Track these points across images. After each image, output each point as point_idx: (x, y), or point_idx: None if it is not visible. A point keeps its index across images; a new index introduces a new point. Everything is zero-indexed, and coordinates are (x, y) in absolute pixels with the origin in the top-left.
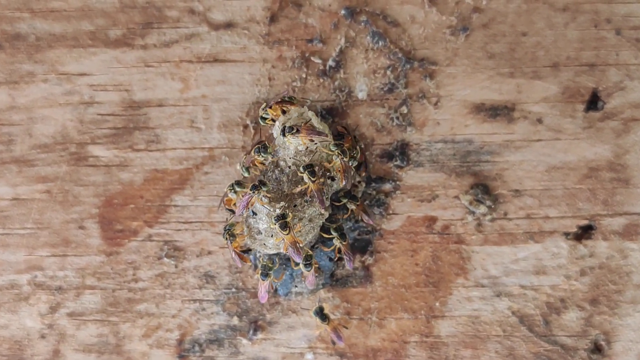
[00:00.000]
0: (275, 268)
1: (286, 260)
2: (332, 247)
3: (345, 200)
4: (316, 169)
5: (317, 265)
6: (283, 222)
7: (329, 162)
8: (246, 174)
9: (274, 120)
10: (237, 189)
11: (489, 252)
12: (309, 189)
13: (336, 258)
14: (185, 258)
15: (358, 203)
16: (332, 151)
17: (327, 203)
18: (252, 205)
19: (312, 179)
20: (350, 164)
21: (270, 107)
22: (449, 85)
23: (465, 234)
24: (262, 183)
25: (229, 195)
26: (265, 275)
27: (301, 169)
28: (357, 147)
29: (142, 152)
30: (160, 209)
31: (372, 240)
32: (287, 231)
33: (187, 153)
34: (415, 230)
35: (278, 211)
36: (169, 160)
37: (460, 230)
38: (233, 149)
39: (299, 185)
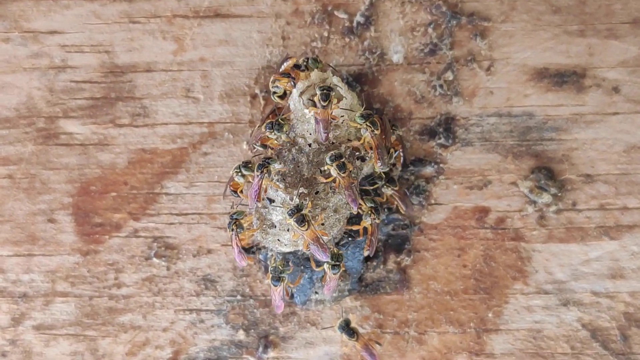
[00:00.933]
0: (288, 271)
1: (304, 260)
2: (361, 226)
3: (380, 183)
4: (346, 160)
5: (343, 269)
6: (299, 215)
7: (358, 139)
8: (260, 148)
9: (284, 95)
10: (245, 171)
11: (553, 251)
12: (337, 183)
13: (366, 249)
14: (180, 258)
15: (396, 188)
16: (360, 124)
17: (356, 205)
18: (265, 191)
19: (342, 174)
20: (383, 139)
21: (281, 76)
22: (505, 46)
23: (525, 228)
24: (269, 160)
25: (235, 179)
26: (277, 279)
27: (327, 159)
28: (388, 127)
29: (127, 127)
30: (148, 198)
31: (409, 236)
32: (306, 226)
33: (181, 129)
34: (463, 224)
35: (296, 200)
36: (160, 137)
37: (519, 224)
38: (238, 124)
39: (322, 173)
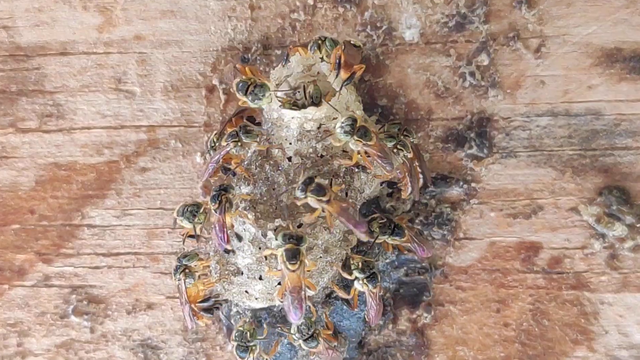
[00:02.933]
0: (260, 336)
1: (282, 318)
2: (352, 294)
3: (378, 235)
4: (323, 181)
5: (329, 333)
6: (294, 248)
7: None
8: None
9: (258, 91)
10: (187, 222)
11: (630, 304)
12: (327, 216)
13: (355, 307)
14: (109, 316)
15: (404, 238)
16: (341, 139)
17: (365, 226)
18: (231, 226)
19: (324, 199)
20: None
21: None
22: (561, 17)
23: (590, 272)
24: (224, 187)
25: (181, 224)
26: (244, 350)
27: (298, 194)
28: (400, 133)
29: (33, 133)
30: (64, 232)
31: (428, 284)
32: (296, 265)
33: (110, 136)
34: (504, 267)
35: (271, 237)
36: (79, 147)
37: (582, 266)
38: (189, 127)
39: (300, 208)
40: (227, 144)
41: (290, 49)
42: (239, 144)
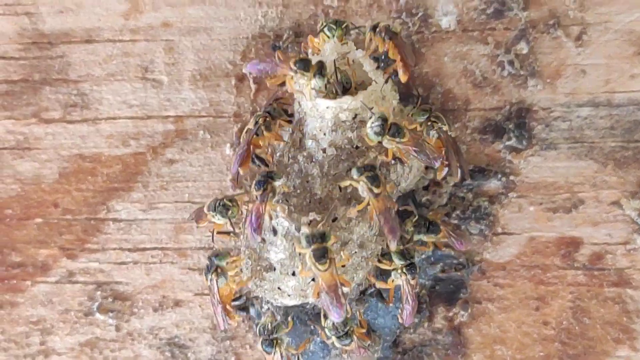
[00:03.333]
0: (284, 329)
1: (315, 315)
2: (390, 285)
3: (413, 234)
4: (380, 173)
5: (362, 332)
6: (321, 248)
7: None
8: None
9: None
10: (221, 217)
11: None
12: (371, 210)
13: (390, 301)
14: (134, 313)
15: (439, 234)
16: (372, 140)
17: (397, 235)
18: (270, 218)
19: (376, 190)
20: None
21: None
22: (603, 4)
23: (633, 268)
24: (271, 174)
25: (213, 219)
26: (269, 343)
27: (353, 172)
28: (436, 122)
29: (57, 124)
30: (89, 227)
31: (465, 280)
32: (327, 265)
33: (136, 126)
34: (544, 263)
35: (305, 232)
36: (105, 138)
37: (624, 262)
38: (218, 118)
39: (341, 191)
40: (257, 123)
41: (306, 44)
42: (267, 120)
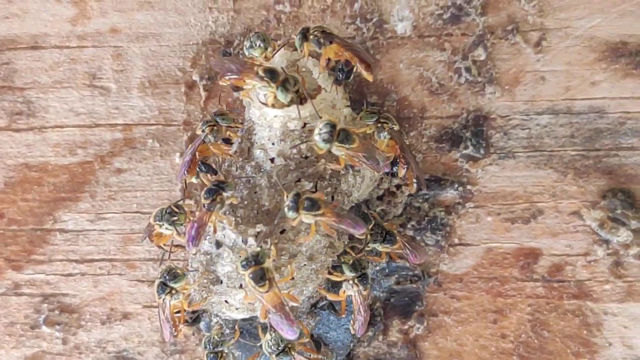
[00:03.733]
0: (230, 342)
1: (264, 329)
2: (341, 297)
3: (372, 246)
4: (313, 195)
5: (304, 342)
6: (258, 270)
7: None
8: (192, 180)
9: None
10: (169, 224)
11: (634, 315)
12: (323, 224)
13: (342, 313)
14: (82, 326)
15: (396, 246)
16: (321, 147)
17: (363, 225)
18: (207, 228)
19: (318, 213)
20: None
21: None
22: (563, 9)
23: (593, 280)
24: (222, 185)
25: (159, 229)
26: (215, 356)
27: (289, 212)
28: (385, 125)
29: (2, 132)
30: (35, 237)
31: (421, 293)
32: (266, 286)
33: (84, 135)
34: (502, 275)
35: (252, 244)
36: (51, 147)
37: (584, 274)
38: (168, 126)
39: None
40: (203, 131)
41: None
42: (215, 128)
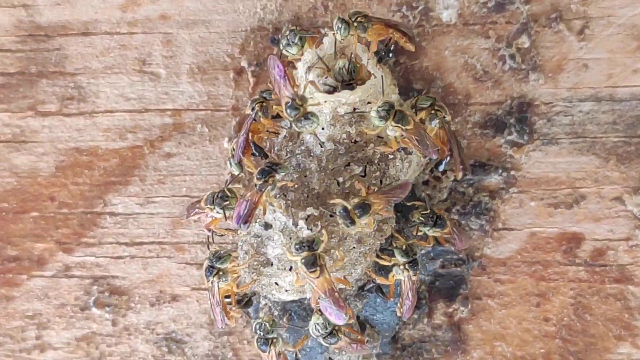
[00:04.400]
0: (281, 328)
1: (302, 315)
2: (390, 281)
3: (419, 223)
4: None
5: (354, 331)
6: (310, 255)
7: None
8: (236, 171)
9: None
10: (220, 207)
11: None
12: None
13: (391, 296)
14: (131, 308)
15: (446, 230)
16: (378, 125)
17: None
18: (263, 212)
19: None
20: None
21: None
22: None
23: (635, 265)
24: (276, 167)
25: (210, 213)
26: (264, 342)
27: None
28: (438, 113)
29: (54, 117)
30: (85, 221)
31: (465, 276)
32: (317, 272)
33: (134, 119)
34: (545, 259)
35: (303, 227)
36: (102, 132)
37: (626, 258)
38: (217, 111)
39: (340, 186)
40: (253, 109)
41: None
42: (264, 104)
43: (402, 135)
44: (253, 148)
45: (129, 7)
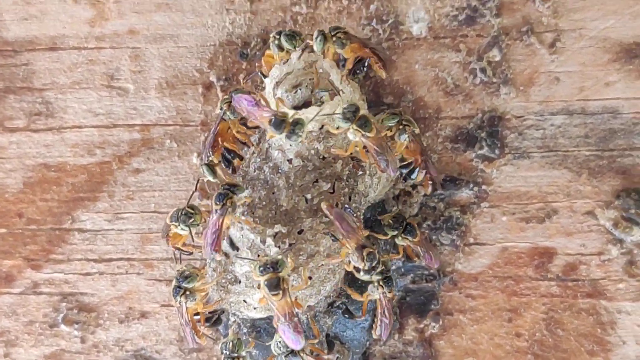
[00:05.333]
0: (246, 348)
1: (261, 334)
2: (364, 299)
3: (391, 233)
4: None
5: (314, 343)
6: (274, 277)
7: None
8: (211, 177)
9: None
10: (185, 224)
11: None
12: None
13: (363, 314)
14: (100, 325)
15: (416, 239)
16: (343, 127)
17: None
18: (225, 229)
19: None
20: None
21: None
22: (577, 11)
23: (607, 280)
24: (233, 188)
25: (174, 229)
26: None
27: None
28: (405, 125)
29: (21, 133)
30: (53, 237)
31: (436, 292)
32: (280, 295)
33: (102, 135)
34: (517, 274)
35: (271, 244)
36: (70, 148)
37: (599, 273)
38: (185, 126)
39: (308, 203)
40: (221, 109)
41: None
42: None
43: (363, 144)
44: (225, 153)
45: (97, 21)
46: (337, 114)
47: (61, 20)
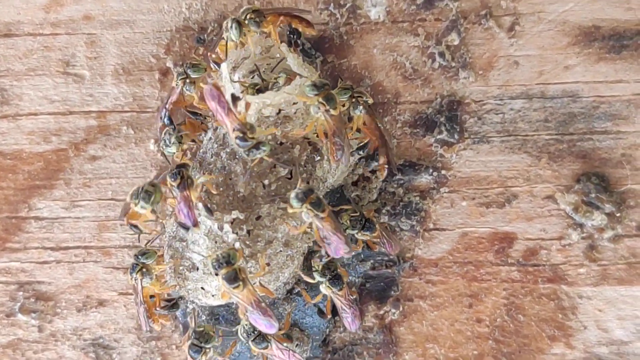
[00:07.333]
0: (215, 338)
1: (229, 319)
2: (319, 297)
3: (348, 227)
4: (320, 195)
5: (280, 333)
6: (230, 270)
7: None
8: (172, 148)
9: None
10: (145, 202)
11: (609, 298)
12: (316, 232)
13: (327, 314)
14: (58, 314)
15: (375, 234)
16: (309, 97)
17: (347, 247)
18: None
19: (320, 214)
20: (345, 124)
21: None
22: None
23: (568, 264)
24: (181, 166)
25: (134, 208)
26: (197, 350)
27: (294, 200)
28: (364, 106)
29: None
30: (9, 225)
31: (396, 278)
32: (240, 286)
33: (58, 122)
34: (477, 259)
35: (228, 231)
36: (25, 135)
37: (559, 258)
38: (142, 112)
39: (266, 189)
40: (176, 84)
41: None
42: (187, 80)
43: (321, 124)
44: (165, 119)
45: (52, 7)
46: (307, 85)
47: (16, 6)
